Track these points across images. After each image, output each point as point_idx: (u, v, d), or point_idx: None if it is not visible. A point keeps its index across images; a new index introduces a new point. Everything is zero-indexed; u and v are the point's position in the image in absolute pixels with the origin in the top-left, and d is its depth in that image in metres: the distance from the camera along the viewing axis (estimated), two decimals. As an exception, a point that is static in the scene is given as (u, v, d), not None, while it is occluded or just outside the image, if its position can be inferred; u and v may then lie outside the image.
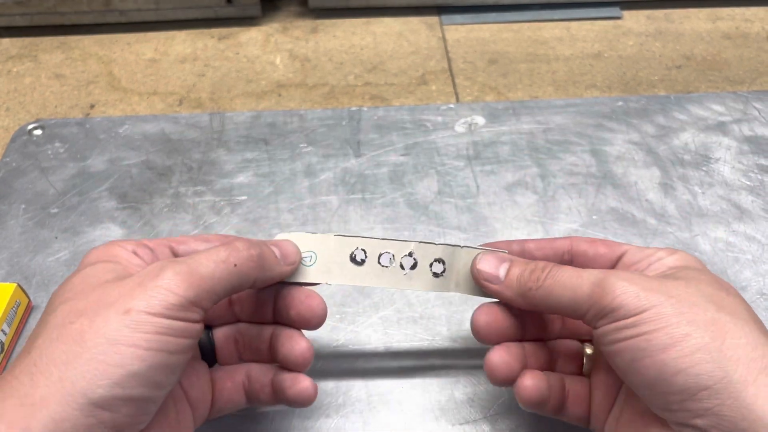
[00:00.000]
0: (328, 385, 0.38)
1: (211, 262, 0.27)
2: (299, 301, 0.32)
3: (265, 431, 0.36)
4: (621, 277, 0.27)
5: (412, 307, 0.42)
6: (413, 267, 0.32)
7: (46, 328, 0.25)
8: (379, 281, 0.32)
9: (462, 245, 0.32)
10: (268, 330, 0.33)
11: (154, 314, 0.25)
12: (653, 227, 0.47)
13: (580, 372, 0.33)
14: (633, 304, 0.26)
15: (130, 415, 0.24)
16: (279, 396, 0.32)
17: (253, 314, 0.33)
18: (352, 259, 0.32)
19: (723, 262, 0.44)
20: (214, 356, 0.33)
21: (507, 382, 0.31)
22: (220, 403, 0.32)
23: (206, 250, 0.28)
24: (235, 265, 0.28)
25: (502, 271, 0.31)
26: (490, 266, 0.31)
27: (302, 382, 0.31)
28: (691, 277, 0.28)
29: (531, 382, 0.30)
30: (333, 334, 0.40)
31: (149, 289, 0.25)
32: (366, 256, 0.32)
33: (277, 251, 0.30)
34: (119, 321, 0.24)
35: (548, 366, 0.33)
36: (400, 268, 0.32)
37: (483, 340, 0.32)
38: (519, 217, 0.48)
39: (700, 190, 0.50)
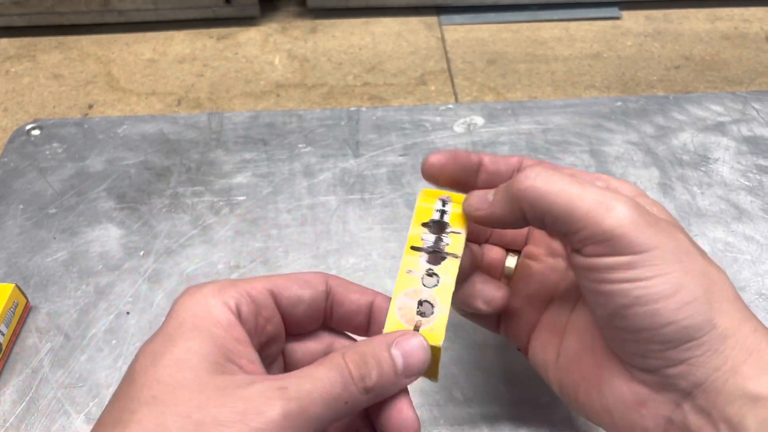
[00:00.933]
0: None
1: (323, 402, 0.23)
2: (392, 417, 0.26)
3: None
4: (627, 203, 0.24)
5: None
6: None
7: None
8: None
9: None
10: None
11: None
12: (652, 227, 0.47)
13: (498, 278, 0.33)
14: (636, 239, 0.24)
15: None
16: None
17: None
18: None
19: (722, 262, 0.44)
20: None
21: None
22: None
23: (317, 377, 0.23)
24: (346, 403, 0.23)
25: (490, 196, 0.28)
26: (479, 198, 0.28)
27: None
28: (668, 219, 0.27)
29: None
30: (332, 334, 0.40)
31: (252, 430, 0.21)
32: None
33: (399, 361, 0.24)
34: None
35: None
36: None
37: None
38: (518, 218, 0.48)
39: (698, 191, 0.50)
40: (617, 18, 0.80)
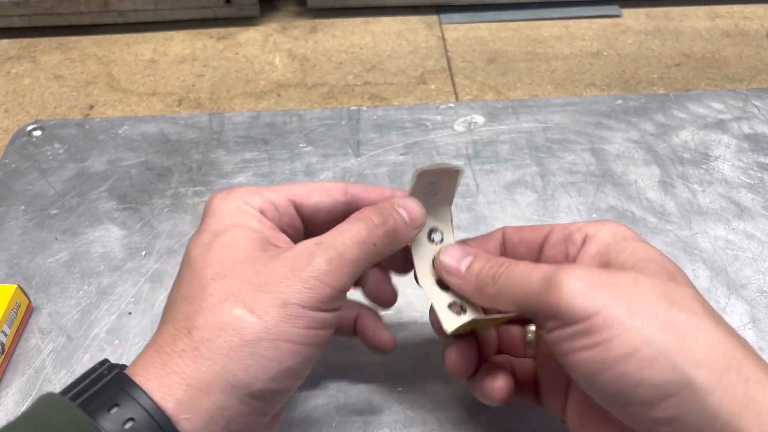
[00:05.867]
0: (328, 386, 0.38)
1: (356, 246, 0.27)
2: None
3: (266, 431, 0.36)
4: (569, 272, 0.25)
5: (411, 306, 0.42)
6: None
7: (203, 307, 0.25)
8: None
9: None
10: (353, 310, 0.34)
11: (309, 308, 0.25)
12: (653, 225, 0.47)
13: (524, 355, 0.33)
14: (580, 306, 0.24)
15: (278, 403, 0.26)
16: (360, 337, 0.34)
17: None
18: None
19: (723, 260, 0.44)
20: None
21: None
22: None
23: (346, 229, 0.28)
24: (375, 245, 0.28)
25: (464, 265, 0.30)
26: (453, 258, 0.30)
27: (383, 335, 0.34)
28: (641, 264, 0.26)
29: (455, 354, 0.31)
30: (333, 334, 0.40)
31: (304, 280, 0.25)
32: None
33: (405, 215, 0.30)
34: (277, 314, 0.25)
35: (498, 350, 0.33)
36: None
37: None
38: (519, 216, 0.48)
39: (699, 188, 0.50)
40: (617, 16, 0.80)
